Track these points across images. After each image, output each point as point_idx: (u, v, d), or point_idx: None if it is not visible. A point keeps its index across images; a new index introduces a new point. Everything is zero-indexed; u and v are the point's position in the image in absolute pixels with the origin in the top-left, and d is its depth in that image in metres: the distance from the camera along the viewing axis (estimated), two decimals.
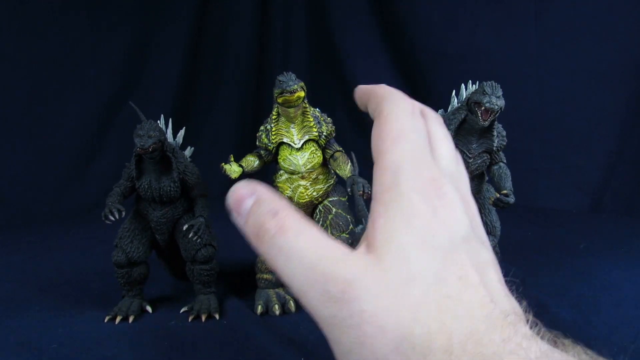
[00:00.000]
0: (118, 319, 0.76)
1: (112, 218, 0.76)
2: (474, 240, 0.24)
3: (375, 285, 0.21)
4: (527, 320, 0.23)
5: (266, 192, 0.25)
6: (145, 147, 0.73)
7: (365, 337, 0.20)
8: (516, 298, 0.25)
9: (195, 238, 0.78)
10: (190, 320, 0.78)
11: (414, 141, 0.25)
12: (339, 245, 0.23)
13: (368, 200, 0.77)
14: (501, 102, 0.75)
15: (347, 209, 0.87)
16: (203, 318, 0.78)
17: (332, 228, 0.84)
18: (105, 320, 0.77)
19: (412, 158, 0.24)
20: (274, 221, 0.24)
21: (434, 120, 0.29)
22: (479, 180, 0.86)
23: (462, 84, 0.86)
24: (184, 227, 0.79)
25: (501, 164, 0.83)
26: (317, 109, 0.85)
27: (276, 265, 0.23)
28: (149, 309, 0.81)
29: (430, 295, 0.21)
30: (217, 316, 0.79)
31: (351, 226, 0.85)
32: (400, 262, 0.22)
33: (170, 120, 0.86)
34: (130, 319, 0.77)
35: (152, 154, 0.75)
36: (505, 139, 0.83)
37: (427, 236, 0.22)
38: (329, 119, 0.85)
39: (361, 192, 0.76)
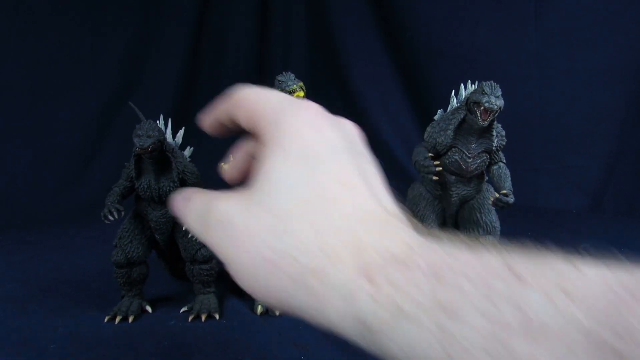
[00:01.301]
0: (118, 319, 0.77)
1: (112, 218, 0.76)
2: (355, 150, 0.26)
3: (244, 204, 0.24)
4: (407, 218, 0.24)
5: (189, 190, 0.30)
6: (144, 147, 0.73)
7: (239, 243, 0.23)
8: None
9: (195, 238, 0.78)
10: (190, 320, 0.78)
11: (283, 94, 0.28)
12: (225, 193, 0.26)
13: None
14: (500, 102, 0.75)
15: None
16: (203, 318, 0.78)
17: None
18: (105, 321, 0.77)
19: (283, 97, 0.27)
20: (182, 197, 0.29)
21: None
22: (478, 180, 0.86)
23: (462, 84, 0.86)
24: (184, 227, 0.79)
25: (501, 163, 0.83)
26: None
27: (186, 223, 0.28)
28: (148, 308, 0.81)
29: (299, 200, 0.23)
30: (217, 316, 0.79)
31: None
32: (267, 181, 0.24)
33: (170, 120, 0.86)
34: (130, 319, 0.77)
35: (152, 153, 0.75)
36: (504, 138, 0.83)
37: (302, 151, 0.24)
38: None
39: None
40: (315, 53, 2.21)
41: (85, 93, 1.85)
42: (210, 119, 0.33)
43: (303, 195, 0.23)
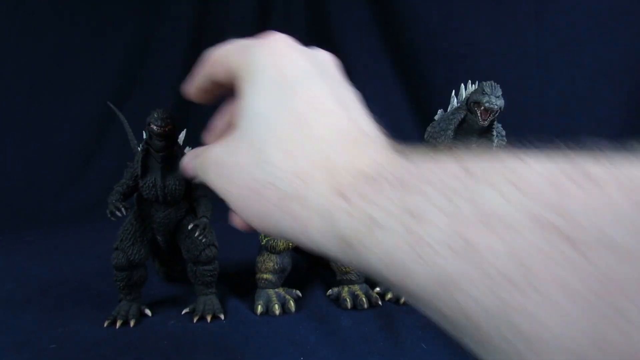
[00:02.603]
0: (119, 323, 0.76)
1: (119, 214, 0.75)
2: (329, 75, 0.27)
3: (230, 143, 0.26)
4: (384, 139, 0.25)
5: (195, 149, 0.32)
6: (163, 126, 0.73)
7: (229, 177, 0.25)
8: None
9: (201, 238, 0.78)
10: (195, 321, 0.78)
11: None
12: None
13: None
14: (501, 102, 0.75)
15: None
16: (209, 319, 0.78)
17: None
18: (105, 325, 0.76)
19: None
20: (190, 155, 0.32)
21: None
22: None
23: (462, 84, 0.86)
24: (190, 227, 0.79)
25: None
26: None
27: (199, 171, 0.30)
28: (148, 312, 0.81)
29: (274, 129, 0.24)
30: (222, 317, 0.79)
31: None
32: (246, 116, 0.25)
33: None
34: (132, 323, 0.77)
35: (166, 138, 0.75)
36: (505, 138, 0.83)
37: (274, 78, 0.25)
38: None
39: None
40: None
41: (85, 93, 1.85)
42: (193, 87, 0.33)
43: (278, 124, 0.24)
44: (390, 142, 0.24)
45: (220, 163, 0.26)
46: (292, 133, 0.23)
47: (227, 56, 0.29)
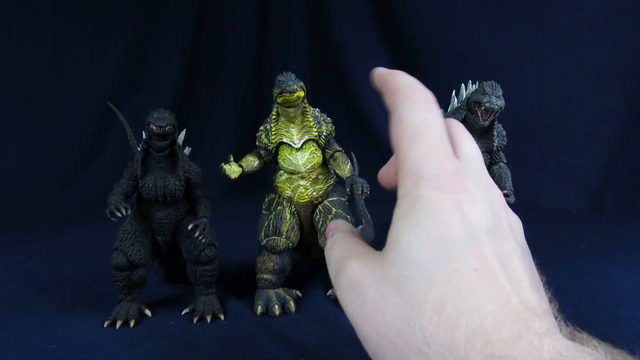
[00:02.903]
0: (119, 324, 0.76)
1: (119, 214, 0.74)
2: (498, 231, 0.24)
3: (376, 276, 0.24)
4: (551, 314, 0.23)
5: (337, 222, 0.34)
6: (162, 126, 0.73)
7: (368, 316, 0.24)
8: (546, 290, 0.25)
9: (200, 238, 0.78)
10: (195, 322, 0.78)
11: (431, 137, 0.26)
12: (363, 249, 0.28)
13: (367, 200, 0.78)
14: (501, 102, 0.75)
15: (347, 209, 0.87)
16: (209, 319, 0.78)
17: None
18: (105, 325, 0.76)
19: (430, 156, 0.25)
20: (330, 239, 0.32)
21: (453, 122, 0.30)
22: None
23: (462, 84, 0.86)
24: (190, 227, 0.78)
25: (501, 164, 0.83)
26: (317, 109, 0.85)
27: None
28: (148, 312, 0.81)
29: (433, 289, 0.22)
30: (222, 317, 0.79)
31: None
32: (402, 258, 0.23)
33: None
34: (132, 324, 0.76)
35: (166, 137, 0.75)
36: (505, 138, 0.83)
37: (440, 232, 0.23)
38: (328, 119, 0.85)
39: (360, 192, 0.76)
40: (315, 53, 2.21)
41: (85, 93, 1.85)
42: (378, 79, 0.33)
43: (437, 284, 0.22)
44: (555, 322, 0.22)
45: (360, 292, 0.24)
46: (452, 299, 0.21)
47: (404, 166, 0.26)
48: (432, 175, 0.24)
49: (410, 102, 0.27)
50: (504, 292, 0.22)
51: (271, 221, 0.85)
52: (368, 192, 0.76)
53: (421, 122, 0.26)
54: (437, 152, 0.25)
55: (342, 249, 0.28)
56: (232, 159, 0.82)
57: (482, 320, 0.21)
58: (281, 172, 0.85)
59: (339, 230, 0.31)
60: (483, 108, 0.75)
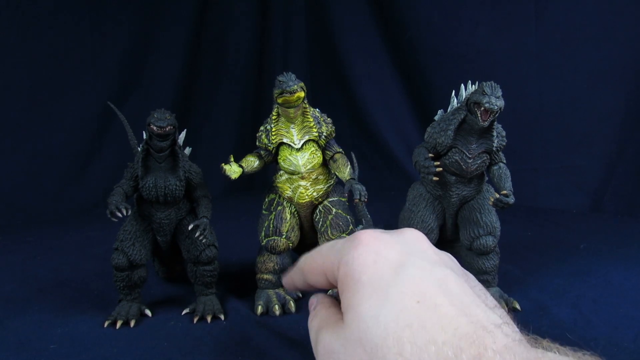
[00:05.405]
0: (119, 324, 0.76)
1: (120, 215, 0.74)
2: (425, 261, 0.28)
3: (342, 340, 0.28)
4: (503, 325, 0.24)
5: (318, 297, 0.37)
6: (163, 126, 0.73)
7: None
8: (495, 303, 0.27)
9: (201, 238, 0.78)
10: (195, 322, 0.78)
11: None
12: (335, 318, 0.31)
13: (367, 203, 0.79)
14: (501, 103, 0.74)
15: (347, 209, 0.87)
16: (209, 319, 0.78)
17: (332, 228, 0.84)
18: (105, 326, 0.76)
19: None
20: (312, 312, 0.36)
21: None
22: (478, 180, 0.86)
23: (462, 84, 0.85)
24: (190, 227, 0.78)
25: (501, 164, 0.83)
26: (317, 109, 0.85)
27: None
28: (148, 312, 0.81)
29: (389, 334, 0.24)
30: (222, 317, 0.79)
31: (351, 226, 0.85)
32: (352, 316, 0.27)
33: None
34: (132, 324, 0.77)
35: (167, 137, 0.75)
36: (505, 139, 0.83)
37: (369, 281, 0.28)
38: (329, 119, 0.85)
39: (357, 200, 0.77)
40: (315, 53, 2.21)
41: (85, 93, 1.85)
42: (292, 286, 0.39)
43: (389, 327, 0.25)
44: (514, 332, 0.24)
45: (332, 355, 0.29)
46: (408, 337, 0.24)
47: (323, 266, 0.32)
48: (343, 248, 0.31)
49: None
50: (450, 318, 0.24)
51: (271, 221, 0.85)
52: (366, 199, 0.77)
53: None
54: (335, 242, 0.35)
55: (318, 321, 0.33)
56: (232, 159, 0.82)
57: (441, 351, 0.22)
58: (281, 172, 0.85)
59: (320, 303, 0.36)
60: (482, 109, 0.74)
